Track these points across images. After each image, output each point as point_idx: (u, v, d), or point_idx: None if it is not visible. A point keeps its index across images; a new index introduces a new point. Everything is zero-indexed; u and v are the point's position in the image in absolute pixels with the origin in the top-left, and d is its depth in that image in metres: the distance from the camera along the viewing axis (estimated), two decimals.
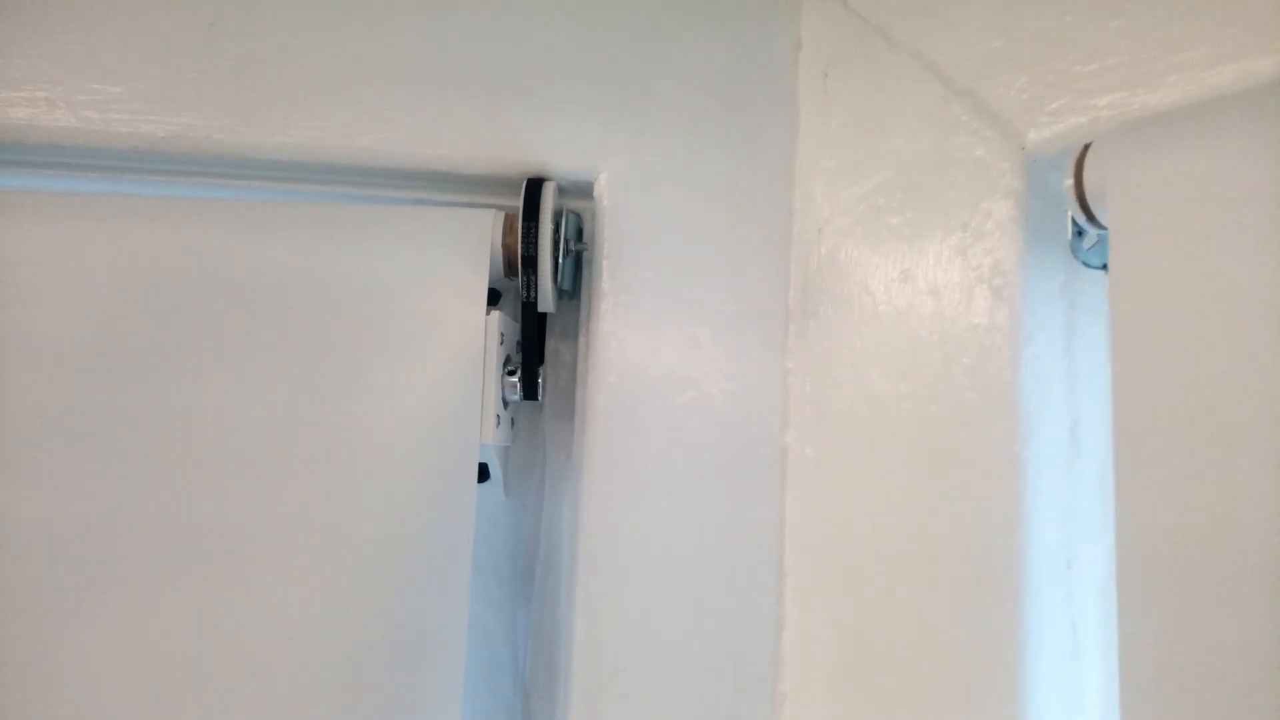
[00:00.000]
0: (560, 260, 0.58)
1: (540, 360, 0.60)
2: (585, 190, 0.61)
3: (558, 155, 0.60)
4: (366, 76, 0.59)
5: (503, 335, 0.58)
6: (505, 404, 0.59)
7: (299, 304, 0.56)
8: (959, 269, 0.49)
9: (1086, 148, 0.44)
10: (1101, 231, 0.45)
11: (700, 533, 0.57)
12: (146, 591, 0.53)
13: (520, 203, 0.58)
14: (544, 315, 0.61)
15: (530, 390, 0.59)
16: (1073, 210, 0.45)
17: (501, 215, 0.58)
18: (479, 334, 0.56)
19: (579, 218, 0.61)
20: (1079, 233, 0.47)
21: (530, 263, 0.57)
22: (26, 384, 0.54)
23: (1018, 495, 0.46)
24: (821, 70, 0.58)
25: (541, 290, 0.57)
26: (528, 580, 0.63)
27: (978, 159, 0.49)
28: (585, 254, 0.61)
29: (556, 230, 0.58)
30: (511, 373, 0.59)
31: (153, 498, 0.54)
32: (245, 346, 0.55)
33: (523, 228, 0.57)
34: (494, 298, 0.58)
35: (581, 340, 0.62)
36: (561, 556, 0.62)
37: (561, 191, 0.60)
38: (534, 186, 0.58)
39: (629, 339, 0.59)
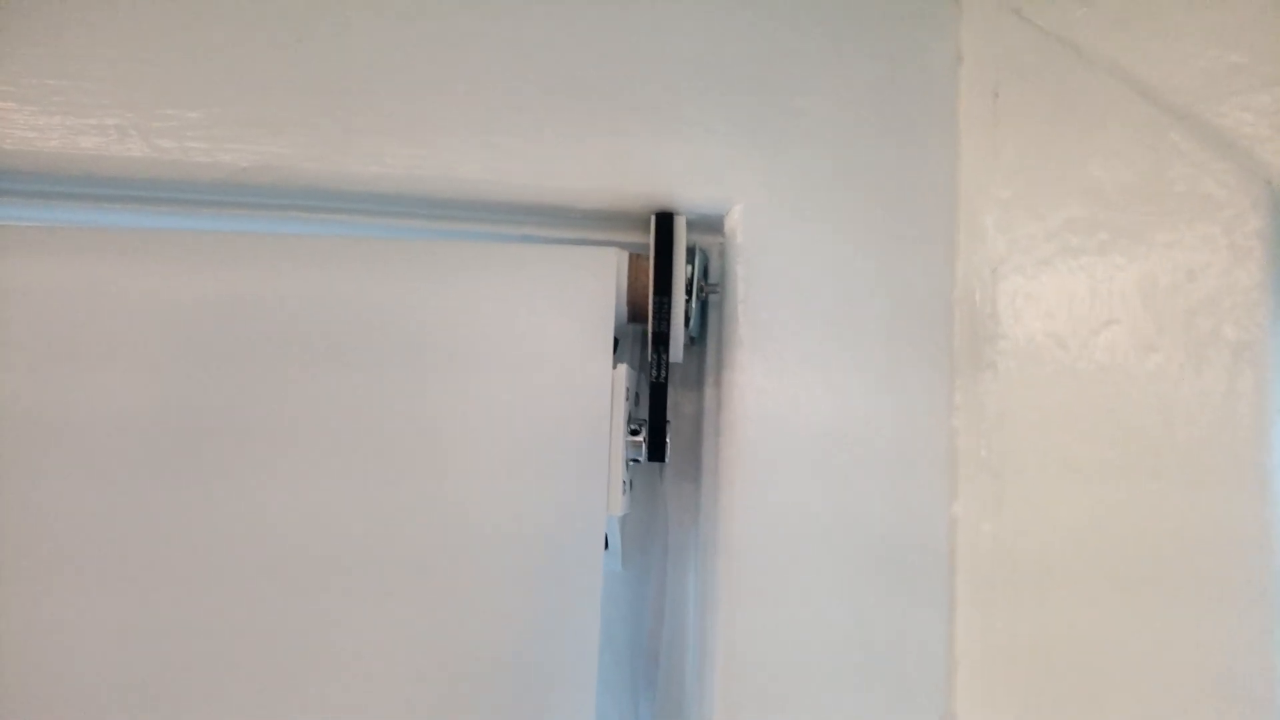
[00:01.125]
0: (693, 304, 0.52)
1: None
2: (712, 224, 0.55)
3: (685, 185, 0.53)
4: (470, 98, 0.52)
5: (628, 390, 0.51)
6: (626, 465, 0.53)
7: (397, 354, 0.49)
8: (1183, 323, 0.42)
9: None
10: None
11: (858, 622, 0.50)
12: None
13: (649, 238, 0.51)
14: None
15: (657, 451, 0.52)
16: None
17: (625, 254, 0.52)
18: (604, 391, 0.49)
19: (706, 255, 0.55)
20: None
21: (663, 307, 0.50)
22: (104, 428, 0.48)
23: (1272, 619, 0.38)
24: (990, 88, 0.51)
25: (674, 338, 0.51)
26: (649, 663, 0.57)
27: (1205, 195, 0.42)
28: (714, 296, 0.54)
29: (689, 270, 0.51)
30: (634, 431, 0.52)
31: (255, 570, 0.47)
32: (334, 406, 0.49)
33: (655, 267, 0.50)
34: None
35: (708, 391, 0.55)
36: (688, 639, 0.55)
37: (688, 226, 0.53)
38: (662, 221, 0.52)
39: (769, 391, 0.52)
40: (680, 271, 0.51)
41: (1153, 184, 0.44)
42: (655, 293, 0.50)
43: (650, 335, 0.50)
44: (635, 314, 0.52)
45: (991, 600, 0.49)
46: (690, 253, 0.52)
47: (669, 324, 0.50)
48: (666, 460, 0.53)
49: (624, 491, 0.50)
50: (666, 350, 0.50)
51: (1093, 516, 0.44)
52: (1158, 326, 0.43)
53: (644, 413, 0.54)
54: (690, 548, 0.56)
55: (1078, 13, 0.47)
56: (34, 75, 0.51)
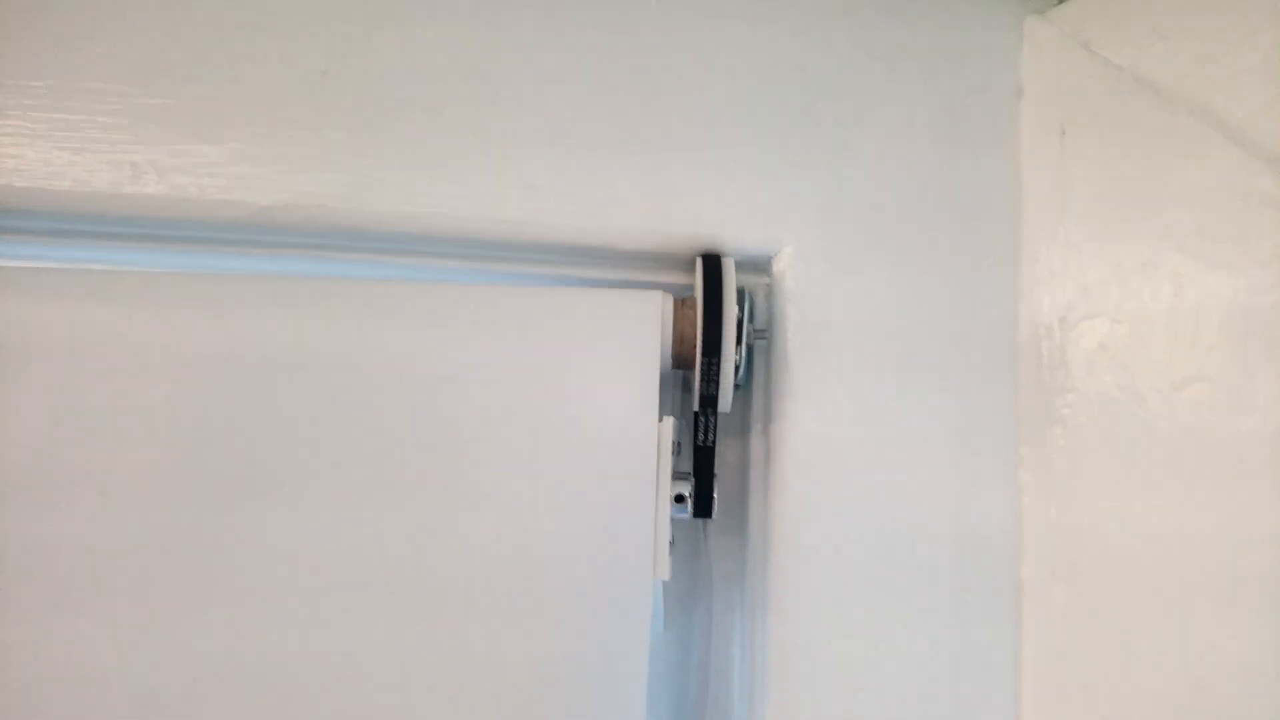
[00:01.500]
0: (742, 353, 0.49)
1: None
2: (759, 265, 0.52)
3: (732, 225, 0.50)
4: (506, 134, 0.50)
5: (674, 443, 0.48)
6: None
7: (429, 405, 0.46)
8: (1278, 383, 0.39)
9: None
10: None
11: (920, 691, 0.47)
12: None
13: (693, 279, 0.48)
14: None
15: (704, 508, 0.49)
16: None
17: (670, 298, 0.49)
18: (650, 448, 0.46)
19: (753, 299, 0.52)
20: None
21: (711, 368, 0.47)
22: (121, 481, 0.45)
23: None
24: (1056, 124, 0.48)
25: (724, 387, 0.48)
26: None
27: None
28: (760, 341, 0.51)
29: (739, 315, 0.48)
30: (679, 497, 0.49)
31: (289, 616, 0.45)
32: (363, 459, 0.46)
33: (704, 312, 0.47)
34: None
35: (754, 439, 0.52)
36: (734, 703, 0.52)
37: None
38: (709, 264, 0.49)
39: (822, 444, 0.49)
40: (730, 324, 0.48)
41: (1241, 232, 0.41)
42: (704, 353, 0.47)
43: (698, 396, 0.48)
44: (680, 361, 0.49)
45: (1064, 684, 0.46)
46: (742, 296, 0.49)
47: (718, 384, 0.47)
48: (714, 518, 0.50)
49: (671, 551, 0.47)
50: (715, 411, 0.48)
51: (1182, 588, 0.42)
52: (1250, 386, 0.40)
53: (686, 462, 0.51)
54: (736, 607, 0.53)
55: (1154, 48, 0.45)
56: (46, 110, 0.48)
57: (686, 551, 0.54)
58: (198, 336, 0.46)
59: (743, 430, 0.53)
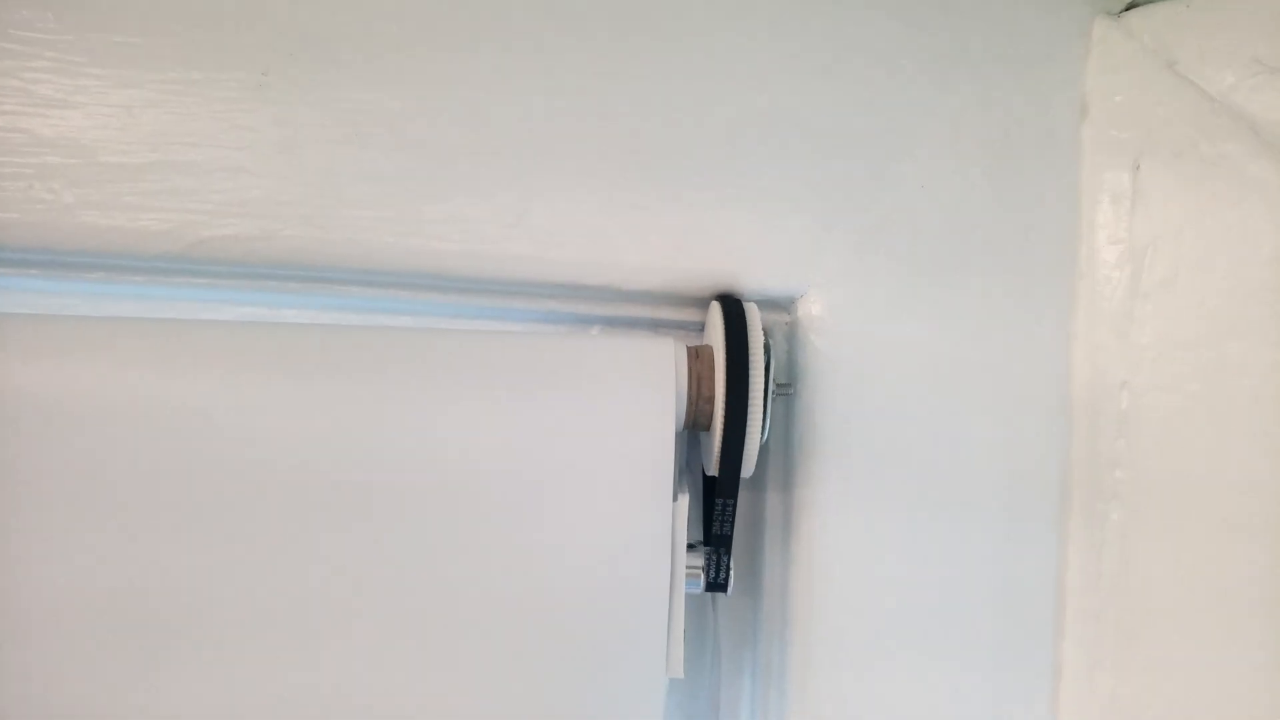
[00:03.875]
0: (767, 414, 0.42)
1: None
2: (779, 305, 0.45)
3: (751, 263, 0.44)
4: (492, 158, 0.42)
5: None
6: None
7: (407, 477, 0.40)
8: None
9: None
10: None
11: None
12: None
13: (710, 325, 0.42)
14: None
15: (720, 584, 0.44)
16: None
17: (683, 348, 0.42)
18: (664, 530, 0.40)
19: (770, 349, 0.45)
20: None
21: (738, 413, 0.41)
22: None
23: None
24: (1130, 157, 0.42)
25: (748, 454, 0.41)
26: None
27: None
28: (783, 396, 0.45)
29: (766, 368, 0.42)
30: (690, 567, 0.43)
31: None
32: (346, 560, 0.39)
33: (729, 365, 0.41)
34: None
35: (771, 498, 0.47)
36: None
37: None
38: (730, 308, 0.42)
39: (848, 512, 0.44)
40: (758, 368, 0.41)
41: None
42: (729, 397, 0.40)
43: (717, 463, 0.41)
44: (698, 419, 0.43)
45: None
46: (767, 347, 0.42)
47: (741, 450, 0.41)
48: (728, 593, 0.45)
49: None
50: (735, 496, 0.42)
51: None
52: None
53: (695, 529, 0.45)
54: (745, 673, 0.48)
55: (1256, 81, 0.38)
56: None
57: (692, 607, 0.49)
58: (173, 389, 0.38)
59: (755, 485, 0.48)
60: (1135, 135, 0.42)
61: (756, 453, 0.41)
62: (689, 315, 0.46)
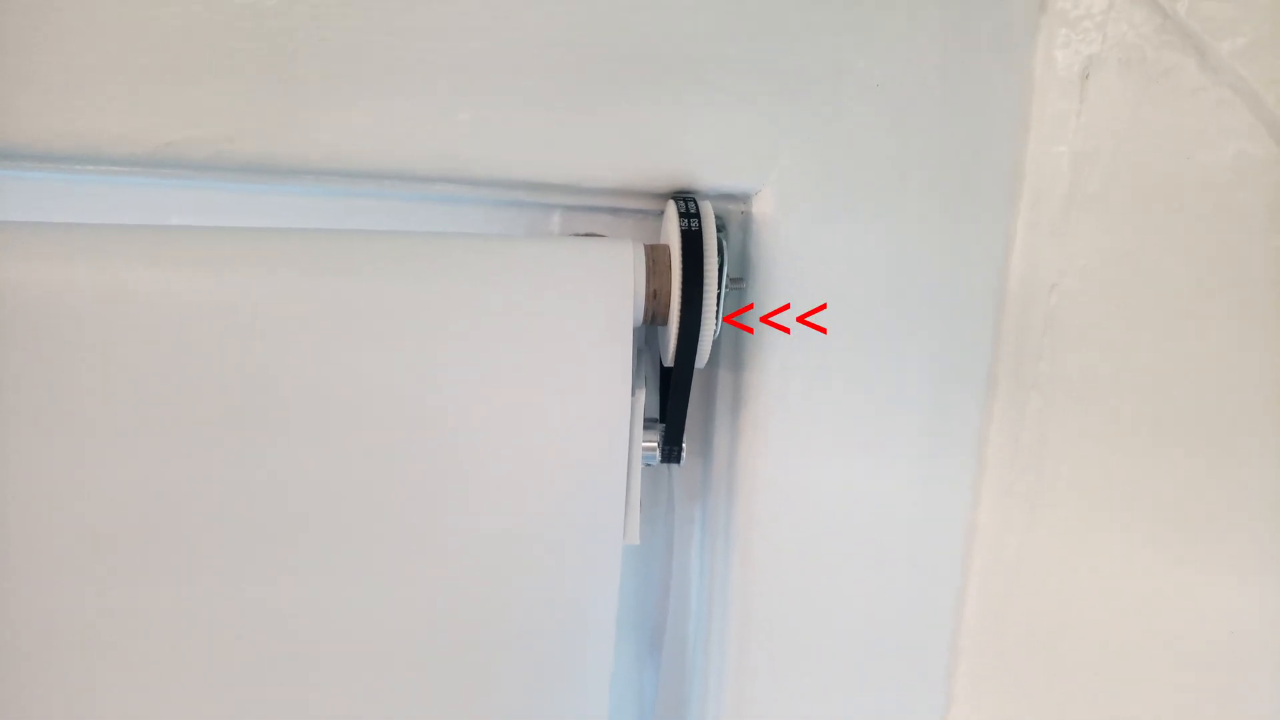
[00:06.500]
0: (721, 305, 0.45)
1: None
2: (734, 199, 0.47)
3: (707, 162, 0.45)
4: (437, 56, 0.42)
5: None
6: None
7: (372, 370, 0.43)
8: None
9: None
10: None
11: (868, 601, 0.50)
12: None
13: (666, 223, 0.44)
14: None
15: (673, 455, 0.49)
16: None
17: (641, 248, 0.44)
18: (623, 422, 0.44)
19: (725, 245, 0.48)
20: None
21: (693, 308, 0.44)
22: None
23: None
24: (1080, 64, 0.43)
25: (702, 345, 0.45)
26: (655, 635, 0.57)
27: None
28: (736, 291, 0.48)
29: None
30: (647, 446, 0.48)
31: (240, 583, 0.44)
32: (322, 422, 0.43)
33: (684, 268, 0.43)
34: None
35: (722, 380, 0.51)
36: (691, 608, 0.55)
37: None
38: (684, 208, 0.44)
39: (788, 393, 0.48)
40: (712, 266, 0.43)
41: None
42: (684, 293, 0.43)
43: (674, 353, 0.45)
44: (655, 316, 0.45)
45: (1005, 611, 0.49)
46: (721, 244, 0.45)
47: (696, 340, 0.44)
48: (681, 463, 0.50)
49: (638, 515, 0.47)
50: (689, 383, 0.45)
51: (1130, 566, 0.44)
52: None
53: (653, 408, 0.49)
54: (695, 524, 0.54)
55: (1209, 7, 0.39)
56: None
57: (647, 472, 0.54)
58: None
59: (709, 365, 0.51)
60: (1088, 41, 0.43)
61: (710, 347, 0.45)
62: (649, 205, 0.48)
